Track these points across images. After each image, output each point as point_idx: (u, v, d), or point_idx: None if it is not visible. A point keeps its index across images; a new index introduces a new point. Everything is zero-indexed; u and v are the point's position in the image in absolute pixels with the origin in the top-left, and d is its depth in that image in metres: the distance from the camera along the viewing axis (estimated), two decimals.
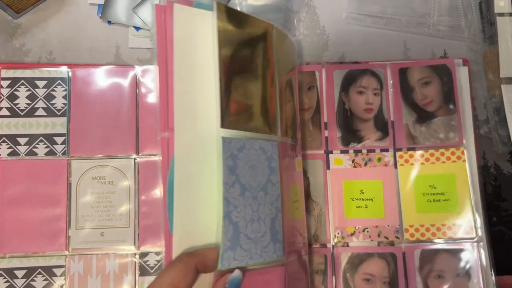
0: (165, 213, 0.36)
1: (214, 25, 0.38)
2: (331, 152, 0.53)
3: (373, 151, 0.52)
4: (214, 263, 0.35)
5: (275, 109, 0.42)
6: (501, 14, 0.55)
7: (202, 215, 0.37)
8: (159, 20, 0.38)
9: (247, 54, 0.40)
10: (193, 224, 0.36)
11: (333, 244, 0.51)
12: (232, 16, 0.39)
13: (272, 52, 0.43)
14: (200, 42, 0.38)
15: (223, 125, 0.37)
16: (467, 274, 0.49)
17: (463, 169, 0.52)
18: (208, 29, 0.38)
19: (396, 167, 0.52)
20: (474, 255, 0.50)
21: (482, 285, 0.49)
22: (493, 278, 0.49)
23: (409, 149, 0.52)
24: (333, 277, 0.50)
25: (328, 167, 0.52)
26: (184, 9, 0.38)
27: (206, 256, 0.35)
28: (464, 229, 0.50)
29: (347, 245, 0.51)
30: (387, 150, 0.52)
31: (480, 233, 0.50)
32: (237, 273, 0.35)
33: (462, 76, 0.54)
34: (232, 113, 0.38)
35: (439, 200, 0.51)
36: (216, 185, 0.36)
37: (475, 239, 0.50)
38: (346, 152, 0.53)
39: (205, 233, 0.36)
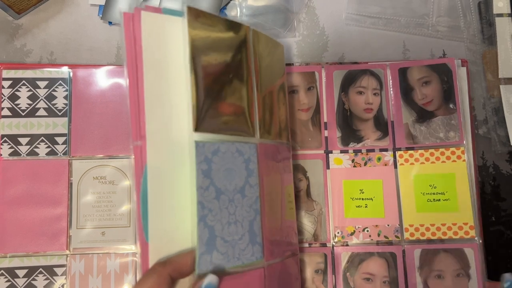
0: (140, 222, 0.36)
1: (184, 30, 0.38)
2: (331, 152, 0.53)
3: (373, 150, 0.53)
4: (190, 268, 0.35)
5: (254, 111, 0.42)
6: (500, 15, 0.56)
7: (177, 222, 0.36)
8: (127, 28, 0.37)
9: (221, 57, 0.40)
10: (168, 231, 0.36)
11: (333, 243, 0.51)
12: (204, 19, 0.39)
13: (249, 54, 0.42)
14: (171, 48, 0.38)
15: (196, 129, 0.36)
16: (466, 274, 0.50)
17: (463, 168, 0.52)
18: (178, 34, 0.38)
19: (396, 166, 0.52)
20: (473, 256, 0.50)
21: (481, 286, 0.49)
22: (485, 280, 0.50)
23: (408, 148, 0.53)
24: (333, 276, 0.50)
25: (328, 166, 0.53)
26: (152, 16, 0.38)
27: (181, 262, 0.35)
28: (464, 229, 0.51)
29: (347, 245, 0.51)
30: (386, 150, 0.53)
31: (478, 233, 0.51)
32: (210, 278, 0.34)
33: (460, 76, 0.54)
34: (206, 117, 0.37)
35: (439, 200, 0.51)
36: (190, 190, 0.36)
37: (475, 239, 0.50)
38: (346, 152, 0.53)
39: (181, 239, 0.36)
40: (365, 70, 0.54)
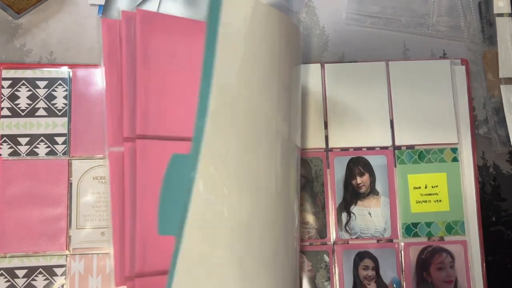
0: (117, 219, 0.37)
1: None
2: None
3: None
4: None
5: None
6: (501, 15, 0.56)
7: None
8: (105, 31, 0.38)
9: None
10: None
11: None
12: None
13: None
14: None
15: None
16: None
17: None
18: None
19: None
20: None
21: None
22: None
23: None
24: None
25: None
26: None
27: None
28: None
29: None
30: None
31: (474, 233, 0.51)
32: None
33: (459, 75, 0.54)
34: None
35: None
36: None
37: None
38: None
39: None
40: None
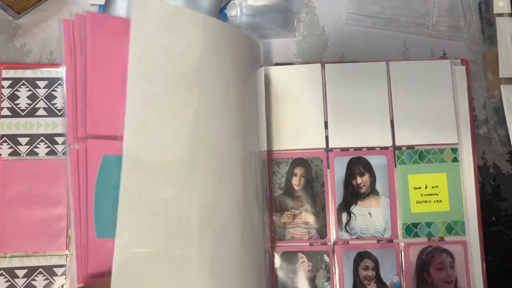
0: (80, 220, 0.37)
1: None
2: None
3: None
4: None
5: None
6: (501, 15, 0.56)
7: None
8: (66, 32, 0.39)
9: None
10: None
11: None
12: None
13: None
14: None
15: None
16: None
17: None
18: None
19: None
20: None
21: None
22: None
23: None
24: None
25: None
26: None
27: None
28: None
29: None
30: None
31: (474, 233, 0.51)
32: None
33: (459, 75, 0.54)
34: None
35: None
36: None
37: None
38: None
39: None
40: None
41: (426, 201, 0.52)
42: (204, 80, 0.40)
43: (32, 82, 0.52)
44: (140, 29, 0.38)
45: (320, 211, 0.52)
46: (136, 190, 0.37)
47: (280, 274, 0.50)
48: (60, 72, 0.52)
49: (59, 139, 0.51)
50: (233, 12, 0.56)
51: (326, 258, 0.51)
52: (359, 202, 0.52)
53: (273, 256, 0.51)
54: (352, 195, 0.52)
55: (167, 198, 0.38)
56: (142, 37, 0.38)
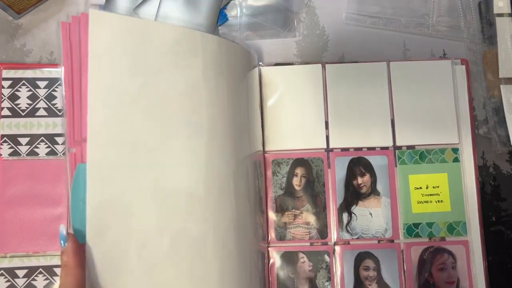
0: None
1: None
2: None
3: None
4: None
5: None
6: (500, 15, 0.56)
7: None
8: (64, 34, 0.40)
9: None
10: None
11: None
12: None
13: None
14: None
15: None
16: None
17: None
18: None
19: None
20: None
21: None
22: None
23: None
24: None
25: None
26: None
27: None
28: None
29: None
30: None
31: (475, 233, 0.51)
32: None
33: (459, 75, 0.54)
34: None
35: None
36: None
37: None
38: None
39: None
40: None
41: (427, 201, 0.52)
42: (169, 87, 0.42)
43: (32, 82, 0.52)
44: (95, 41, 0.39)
45: (321, 211, 0.52)
46: None
47: (281, 274, 0.50)
48: (61, 72, 0.52)
49: (59, 139, 0.51)
50: (233, 12, 0.56)
51: (327, 258, 0.51)
52: (360, 202, 0.52)
53: (273, 257, 0.51)
54: (353, 195, 0.52)
55: None
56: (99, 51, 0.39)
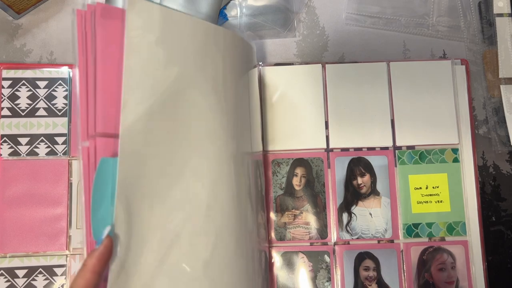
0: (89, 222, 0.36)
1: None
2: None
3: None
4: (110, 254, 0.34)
5: None
6: (500, 15, 0.56)
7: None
8: (80, 25, 0.38)
9: None
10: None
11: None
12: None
13: None
14: None
15: None
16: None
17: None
18: None
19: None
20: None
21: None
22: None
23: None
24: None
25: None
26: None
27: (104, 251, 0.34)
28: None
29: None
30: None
31: (475, 233, 0.51)
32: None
33: (459, 75, 0.54)
34: None
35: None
36: None
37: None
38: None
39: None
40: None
41: (427, 202, 0.52)
42: (194, 82, 0.40)
43: (32, 82, 0.52)
44: (132, 29, 0.38)
45: (320, 211, 0.52)
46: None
47: (281, 274, 0.50)
48: (60, 72, 0.52)
49: (59, 139, 0.51)
50: (233, 12, 0.56)
51: (327, 258, 0.51)
52: (360, 203, 0.52)
53: (273, 257, 0.51)
54: (352, 195, 0.52)
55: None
56: (134, 37, 0.38)
